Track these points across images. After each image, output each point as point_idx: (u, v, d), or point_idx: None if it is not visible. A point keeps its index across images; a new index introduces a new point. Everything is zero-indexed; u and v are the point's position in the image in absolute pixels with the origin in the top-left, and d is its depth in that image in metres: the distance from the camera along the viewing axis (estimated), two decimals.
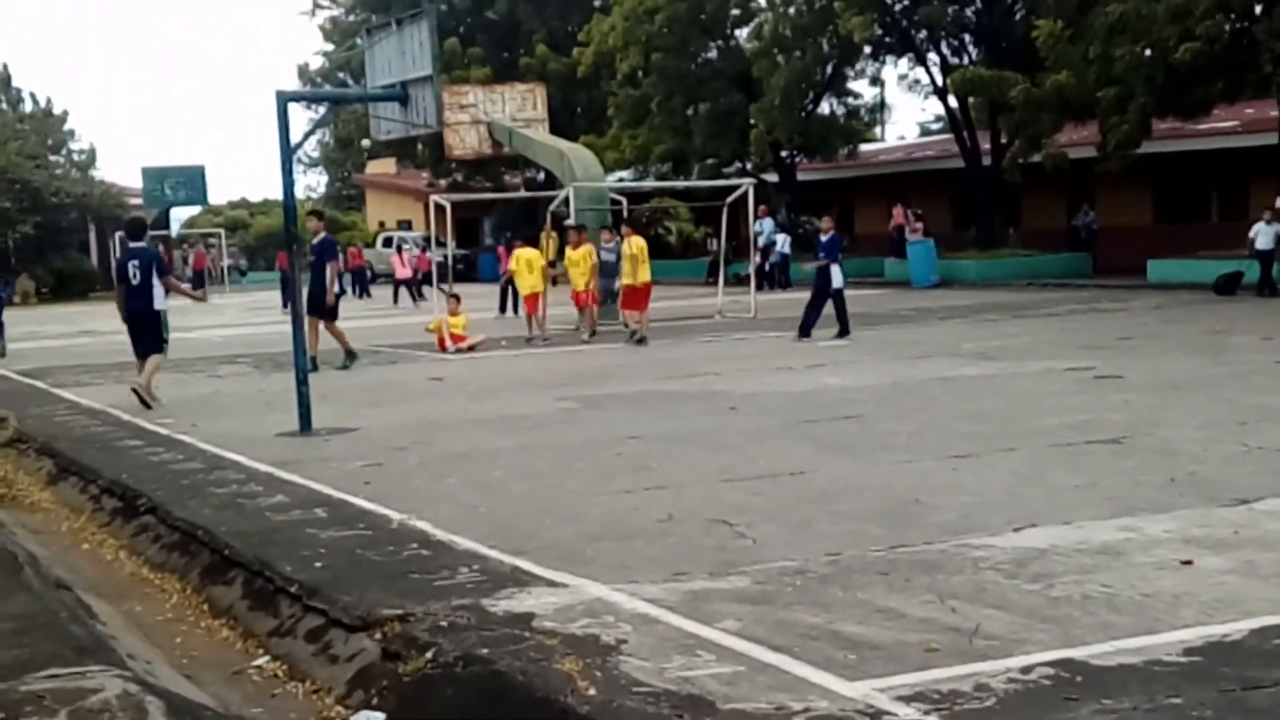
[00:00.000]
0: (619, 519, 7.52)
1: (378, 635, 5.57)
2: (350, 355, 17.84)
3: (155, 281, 14.28)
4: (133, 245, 14.90)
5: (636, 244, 21.34)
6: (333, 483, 9.01)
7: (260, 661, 5.98)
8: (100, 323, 33.76)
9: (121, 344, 24.91)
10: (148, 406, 13.85)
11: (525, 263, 21.68)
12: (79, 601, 6.67)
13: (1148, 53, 27.32)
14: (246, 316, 34.44)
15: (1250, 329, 16.60)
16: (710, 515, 7.44)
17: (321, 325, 17.66)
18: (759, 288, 28.82)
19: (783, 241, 36.55)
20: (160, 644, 6.36)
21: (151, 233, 54.74)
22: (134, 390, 14.09)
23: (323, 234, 18.30)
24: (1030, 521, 6.95)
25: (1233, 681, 4.47)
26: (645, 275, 21.10)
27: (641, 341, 19.93)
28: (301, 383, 11.88)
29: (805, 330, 19.31)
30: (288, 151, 12.17)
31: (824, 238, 20.21)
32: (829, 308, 19.34)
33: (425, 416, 12.56)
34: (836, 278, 19.12)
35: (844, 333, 19.23)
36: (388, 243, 50.94)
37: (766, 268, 34.57)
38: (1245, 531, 6.57)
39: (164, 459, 10.58)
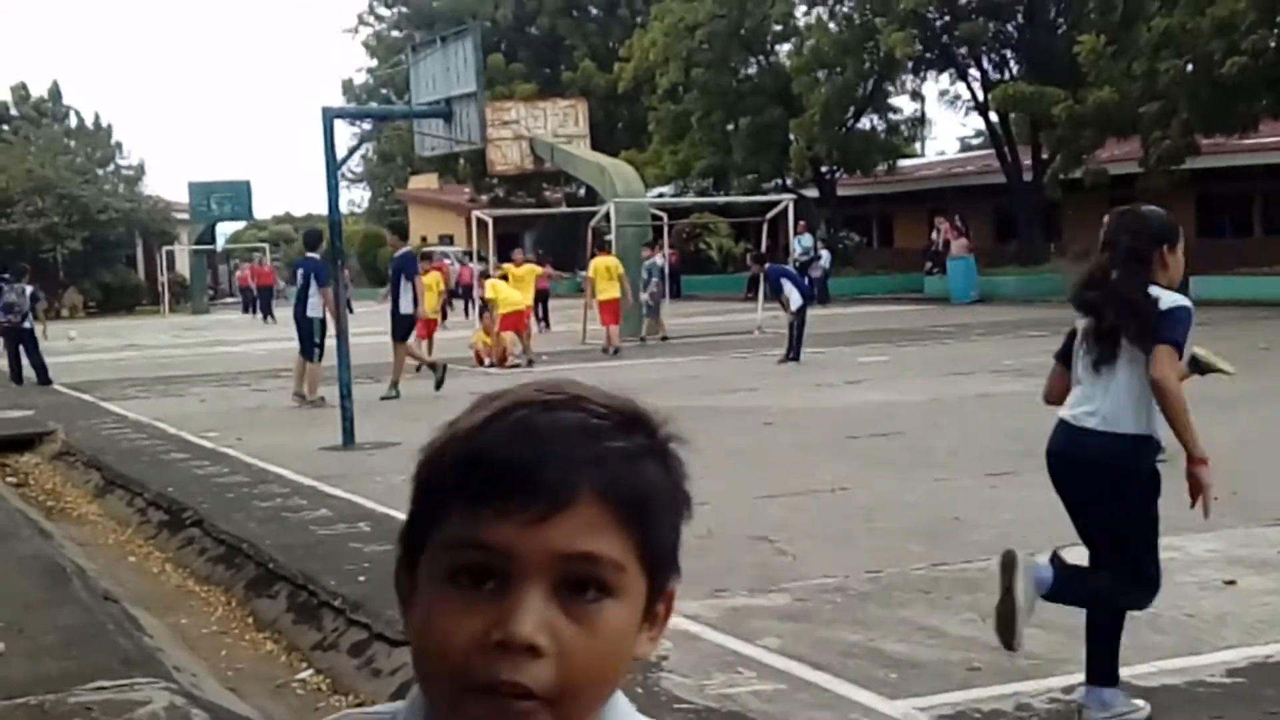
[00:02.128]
0: None
1: None
2: (394, 386, 16.04)
3: (312, 290, 15.33)
4: (306, 255, 16.01)
5: (598, 264, 21.98)
6: (376, 497, 9.08)
7: (304, 675, 6.04)
8: (147, 336, 34.14)
9: (167, 358, 25.18)
10: (314, 404, 15.05)
11: (605, 270, 22.00)
12: (126, 614, 6.76)
13: (1191, 67, 27.18)
14: (291, 331, 34.70)
15: None
16: (750, 531, 7.46)
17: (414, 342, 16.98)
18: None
19: (825, 257, 36.53)
20: (206, 656, 6.44)
21: (197, 247, 54.79)
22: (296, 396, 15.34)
23: (402, 249, 17.18)
24: (1071, 540, 6.89)
25: (1275, 703, 4.45)
26: (607, 293, 21.61)
27: (616, 353, 20.90)
28: (345, 397, 11.98)
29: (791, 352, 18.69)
30: (333, 166, 12.30)
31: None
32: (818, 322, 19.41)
33: None
34: (795, 299, 18.86)
35: (791, 356, 18.47)
36: (427, 257, 51.16)
37: (808, 284, 34.54)
38: None
39: (209, 472, 10.69)
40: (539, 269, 25.25)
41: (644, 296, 24.00)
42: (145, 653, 5.89)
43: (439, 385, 15.86)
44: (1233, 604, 5.67)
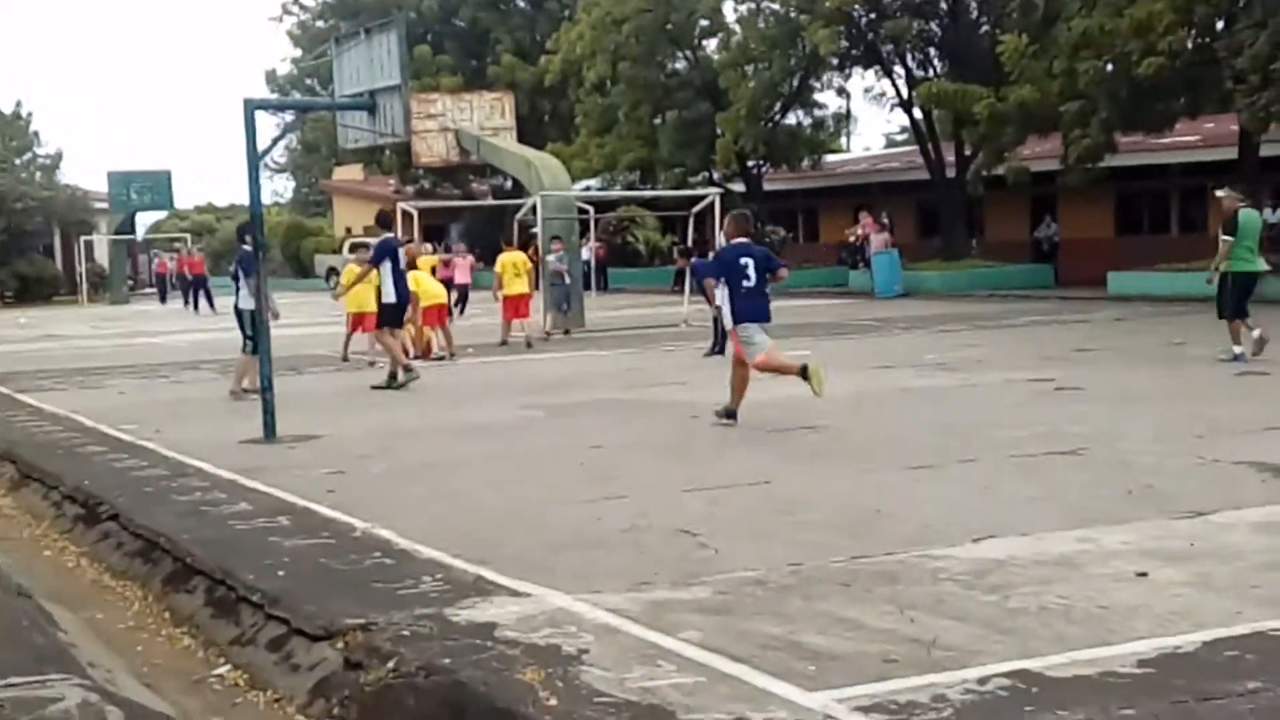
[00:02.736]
0: (582, 528, 7.55)
1: (339, 645, 5.58)
2: (393, 378, 15.76)
3: (242, 282, 15.30)
4: (241, 246, 15.84)
5: (504, 260, 21.75)
6: (296, 490, 9.00)
7: (221, 670, 5.98)
8: (65, 327, 33.58)
9: (85, 349, 24.78)
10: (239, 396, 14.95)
11: (511, 265, 21.79)
12: (40, 609, 6.66)
13: (1111, 67, 27.60)
14: (211, 322, 34.29)
15: (1209, 341, 16.73)
16: (673, 525, 7.48)
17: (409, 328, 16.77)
18: None
19: None
20: (121, 652, 6.35)
21: (116, 237, 53.96)
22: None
23: (383, 235, 16.65)
24: (989, 533, 7.02)
25: (1185, 693, 4.53)
26: (512, 289, 21.54)
27: (529, 346, 20.78)
28: (266, 389, 11.86)
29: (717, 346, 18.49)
30: (254, 158, 12.15)
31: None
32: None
33: (390, 424, 12.55)
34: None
35: (717, 350, 18.20)
36: (354, 249, 50.78)
37: None
38: (1200, 544, 6.66)
39: (127, 465, 10.55)
40: (433, 258, 25.15)
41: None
42: (59, 649, 5.80)
43: (391, 387, 15.72)
44: (1145, 596, 5.76)
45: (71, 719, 4.58)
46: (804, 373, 11.51)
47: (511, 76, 45.51)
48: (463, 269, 30.44)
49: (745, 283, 11.58)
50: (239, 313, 15.61)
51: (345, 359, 19.52)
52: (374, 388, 15.74)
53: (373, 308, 18.56)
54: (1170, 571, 6.14)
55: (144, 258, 64.00)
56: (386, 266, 15.92)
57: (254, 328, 14.87)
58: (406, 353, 18.81)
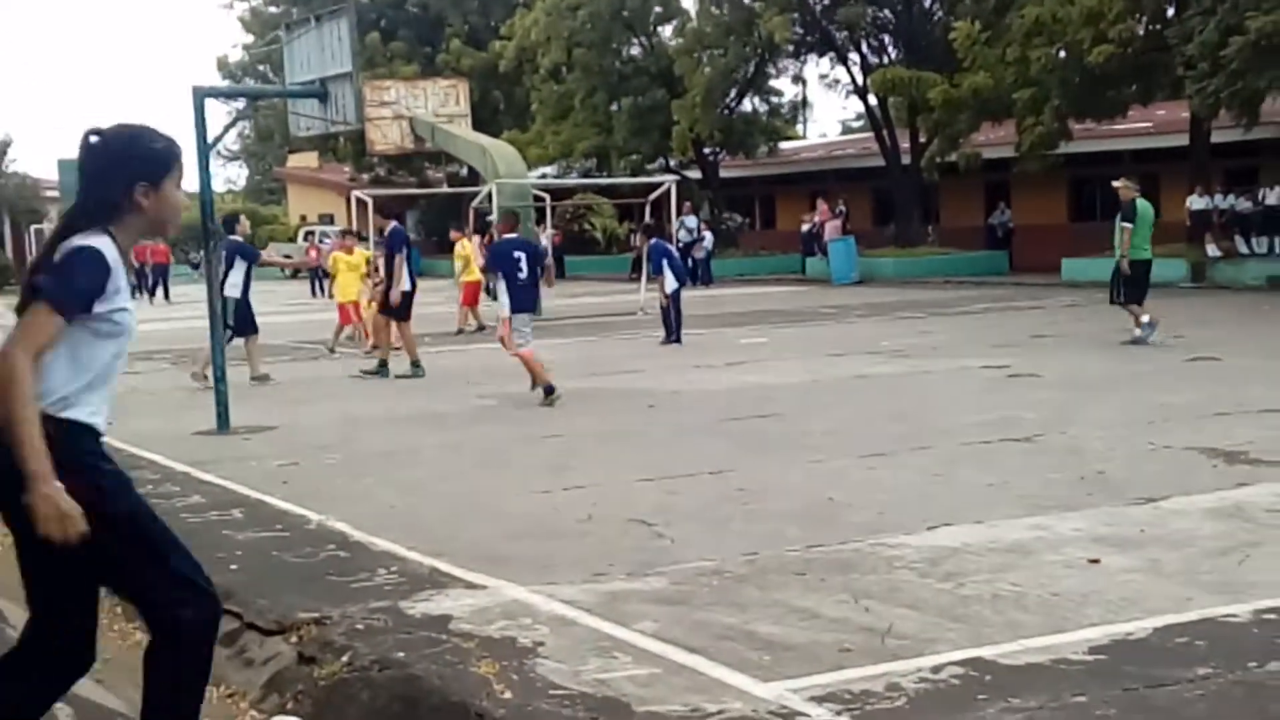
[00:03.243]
0: (538, 519, 7.54)
1: (293, 639, 5.55)
2: (416, 365, 15.56)
3: (233, 272, 15.28)
4: (228, 238, 15.73)
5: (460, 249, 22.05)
6: (250, 483, 8.94)
7: None
8: (12, 318, 33.18)
9: None
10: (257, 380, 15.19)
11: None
12: None
13: (1063, 55, 27.78)
14: (163, 311, 33.99)
15: (1161, 328, 16.89)
16: (629, 515, 7.47)
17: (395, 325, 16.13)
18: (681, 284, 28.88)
19: (708, 238, 36.72)
20: None
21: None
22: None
23: (391, 224, 16.61)
24: (943, 520, 7.05)
25: (1136, 680, 4.57)
26: (468, 275, 21.65)
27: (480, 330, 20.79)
28: (219, 380, 11.77)
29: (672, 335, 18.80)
30: (204, 147, 12.05)
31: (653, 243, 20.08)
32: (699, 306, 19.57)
33: (346, 414, 12.48)
34: (670, 282, 18.83)
35: (673, 339, 18.59)
36: (308, 236, 50.62)
37: (690, 263, 34.70)
38: (1151, 530, 6.71)
39: None
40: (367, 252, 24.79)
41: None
42: (9, 644, 5.73)
43: (376, 373, 15.64)
44: (1096, 582, 5.80)
45: None
46: (547, 391, 12.48)
47: (459, 62, 45.25)
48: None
49: (520, 275, 12.47)
50: (228, 300, 15.21)
51: (333, 350, 19.31)
52: (364, 372, 15.72)
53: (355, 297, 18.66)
54: (1121, 558, 6.19)
55: None
56: (401, 255, 15.71)
57: (236, 316, 14.88)
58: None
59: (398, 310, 15.83)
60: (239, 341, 15.37)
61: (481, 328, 21.60)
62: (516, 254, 12.56)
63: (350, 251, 19.44)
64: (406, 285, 15.76)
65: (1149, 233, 16.24)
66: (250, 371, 15.50)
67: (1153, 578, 5.87)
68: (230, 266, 15.21)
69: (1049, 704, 4.36)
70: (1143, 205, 16.20)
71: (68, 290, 3.52)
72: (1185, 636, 5.02)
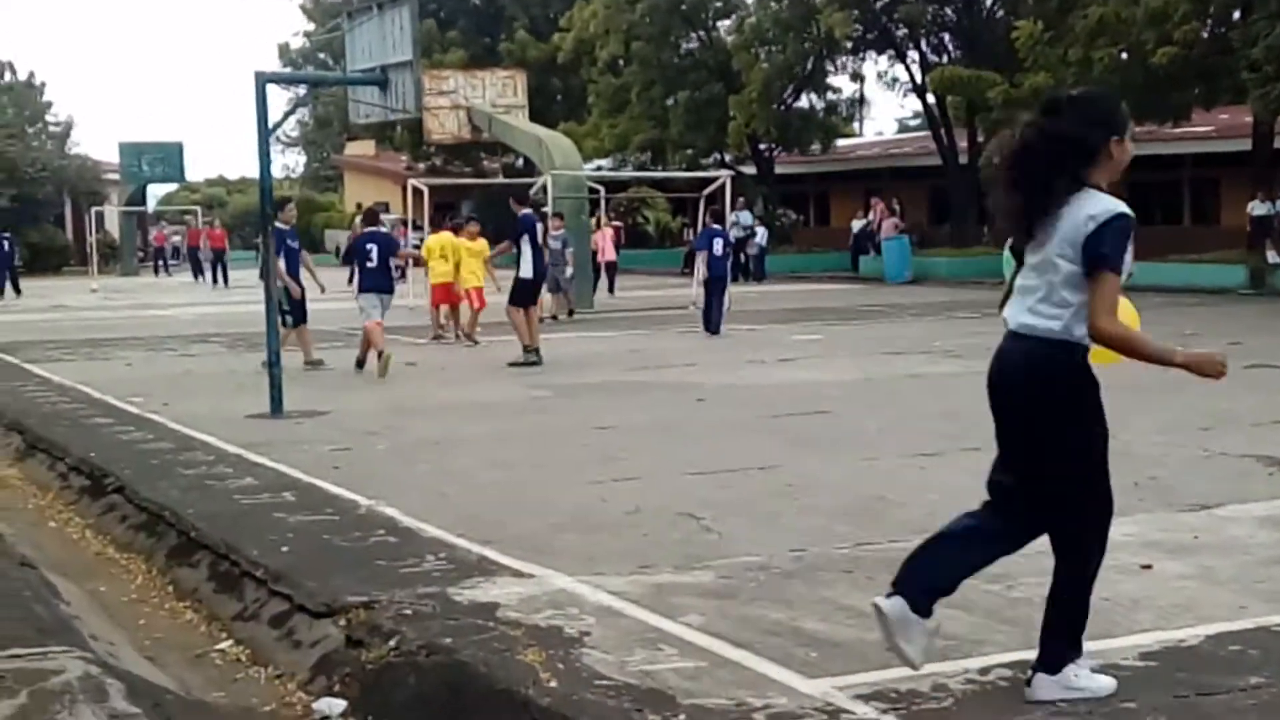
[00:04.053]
0: (586, 510, 7.55)
1: (342, 622, 5.58)
2: (528, 350, 15.65)
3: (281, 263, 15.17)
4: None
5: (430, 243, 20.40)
6: (302, 466, 9.01)
7: (224, 645, 5.99)
8: (73, 298, 33.62)
9: (92, 320, 24.82)
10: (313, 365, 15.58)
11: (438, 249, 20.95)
12: (43, 580, 6.66)
13: (1126, 56, 27.49)
14: (219, 295, 34.34)
15: (1218, 333, 16.72)
16: (677, 508, 7.47)
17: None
18: (734, 279, 28.85)
19: (761, 234, 36.62)
20: (124, 625, 6.36)
21: (127, 209, 53.74)
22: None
23: (523, 211, 16.28)
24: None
25: (1187, 687, 4.52)
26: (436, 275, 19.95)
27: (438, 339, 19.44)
28: (274, 364, 11.86)
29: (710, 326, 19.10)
30: (265, 132, 12.14)
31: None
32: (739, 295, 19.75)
33: (397, 401, 12.56)
34: (701, 272, 19.03)
35: (711, 330, 18.99)
36: (451, 218, 50.70)
37: (743, 259, 34.64)
38: (1204, 537, 6.64)
39: (133, 438, 10.56)
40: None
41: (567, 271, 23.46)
42: (61, 621, 5.81)
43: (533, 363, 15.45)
44: (1148, 588, 5.75)
45: (72, 691, 4.58)
46: (381, 355, 14.55)
47: (524, 54, 45.37)
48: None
49: (369, 263, 15.06)
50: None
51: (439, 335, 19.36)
52: (510, 364, 15.54)
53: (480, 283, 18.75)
54: (1174, 564, 6.13)
55: (154, 229, 64.10)
56: (526, 241, 15.68)
57: (289, 302, 15.04)
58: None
59: (520, 297, 15.78)
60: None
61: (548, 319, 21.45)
62: (369, 245, 15.12)
63: (474, 238, 19.40)
64: (529, 273, 15.76)
65: None
66: (304, 357, 15.61)
67: (1206, 585, 5.81)
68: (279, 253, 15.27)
69: (1098, 709, 4.33)
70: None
71: (1119, 255, 4.33)
72: (1238, 645, 4.96)
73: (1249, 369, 13.77)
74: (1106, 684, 4.46)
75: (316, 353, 15.89)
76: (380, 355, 14.51)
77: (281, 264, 14.82)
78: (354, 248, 16.07)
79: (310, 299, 16.15)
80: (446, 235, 20.07)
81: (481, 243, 19.38)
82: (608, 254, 29.92)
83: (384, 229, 17.23)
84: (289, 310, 15.20)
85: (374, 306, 14.84)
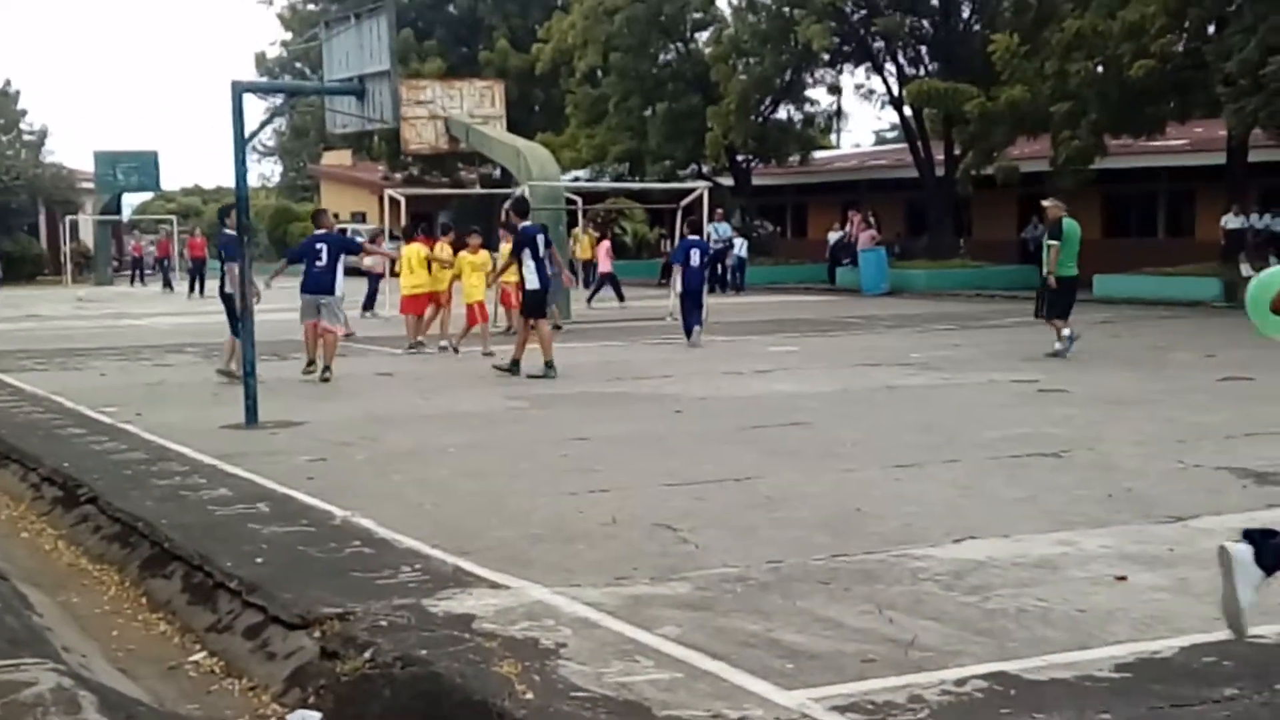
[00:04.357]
0: (563, 521, 7.54)
1: (316, 633, 5.56)
2: (549, 364, 15.30)
3: (226, 266, 15.67)
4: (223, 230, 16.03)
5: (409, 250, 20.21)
6: (277, 477, 8.97)
7: (197, 657, 5.95)
8: (47, 307, 33.44)
9: (67, 330, 24.66)
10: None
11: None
12: (15, 592, 6.61)
13: (1102, 69, 27.63)
14: (194, 305, 34.19)
15: (1193, 346, 16.80)
16: (654, 519, 7.46)
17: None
18: (711, 290, 28.86)
19: (740, 245, 36.66)
20: (97, 637, 6.32)
21: (102, 218, 53.66)
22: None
23: (523, 224, 15.87)
24: (969, 533, 7.02)
25: (1162, 698, 4.54)
26: (406, 286, 19.94)
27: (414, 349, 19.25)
28: (249, 374, 11.82)
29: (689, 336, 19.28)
30: (241, 141, 12.10)
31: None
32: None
33: (373, 412, 12.52)
34: (678, 281, 19.12)
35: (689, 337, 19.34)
36: (445, 230, 50.63)
37: (720, 270, 34.64)
38: (1179, 549, 6.66)
39: (107, 448, 10.50)
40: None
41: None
42: (33, 632, 5.77)
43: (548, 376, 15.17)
44: (1123, 600, 5.77)
45: (44, 704, 4.54)
46: (310, 362, 15.43)
47: (502, 64, 45.34)
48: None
49: (318, 262, 15.43)
50: (226, 297, 15.56)
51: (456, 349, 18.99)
52: (496, 368, 15.74)
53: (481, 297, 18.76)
54: (1149, 576, 6.15)
55: (129, 238, 63.85)
56: (528, 254, 15.47)
57: (231, 309, 15.00)
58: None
59: (532, 309, 15.62)
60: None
61: (509, 329, 21.49)
62: (318, 246, 15.55)
63: (476, 251, 19.34)
64: (535, 284, 15.51)
65: (1076, 251, 16.98)
66: (220, 362, 15.60)
67: (1181, 597, 5.82)
68: (229, 260, 15.26)
69: None
70: (1070, 225, 16.92)
71: None
72: (1213, 656, 4.98)
73: (1223, 382, 13.86)
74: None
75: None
76: (309, 362, 15.22)
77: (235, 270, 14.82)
78: (305, 248, 16.08)
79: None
80: (417, 246, 19.98)
81: (484, 255, 19.37)
82: (604, 266, 30.30)
83: (334, 230, 17.68)
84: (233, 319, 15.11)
85: (309, 308, 15.40)
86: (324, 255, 15.32)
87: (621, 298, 29.74)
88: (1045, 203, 17.63)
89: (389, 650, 5.18)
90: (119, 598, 7.03)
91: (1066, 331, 16.66)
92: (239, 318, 14.61)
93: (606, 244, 32.30)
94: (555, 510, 7.84)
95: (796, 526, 7.29)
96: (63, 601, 6.94)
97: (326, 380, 14.96)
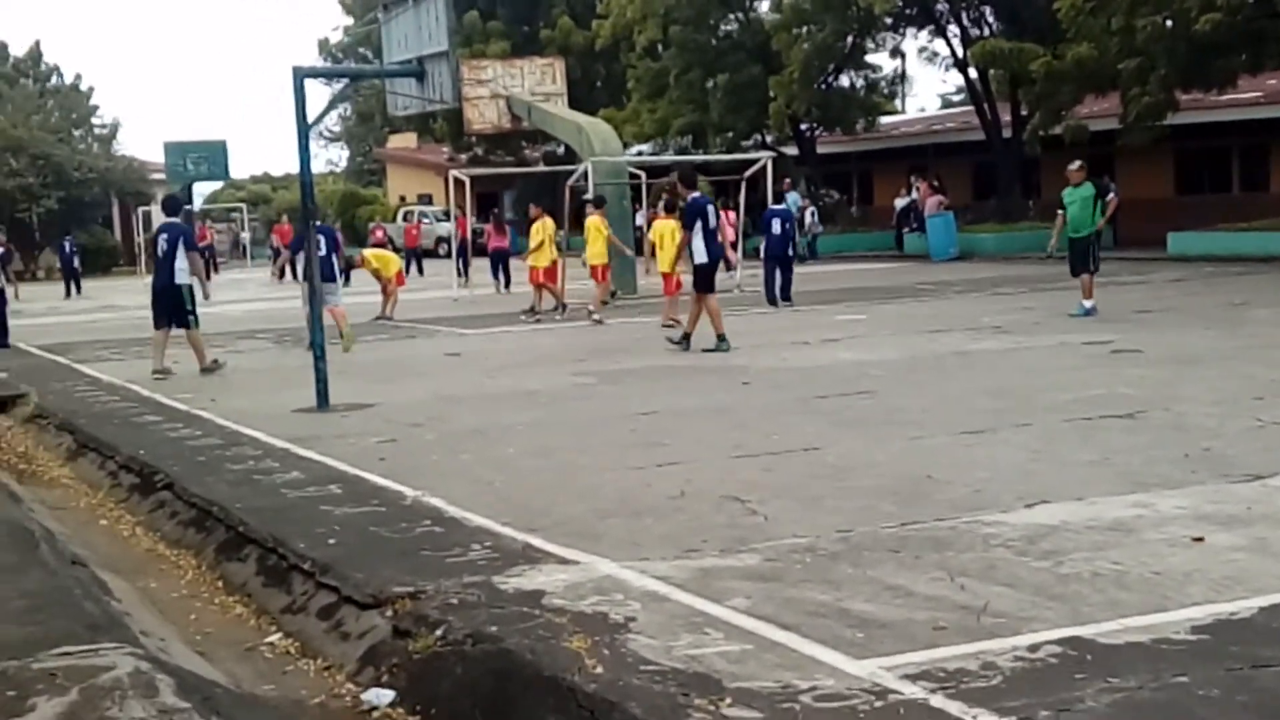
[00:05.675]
0: (631, 495, 7.54)
1: (389, 613, 5.60)
2: (721, 338, 14.99)
3: (179, 256, 14.96)
4: (168, 220, 15.55)
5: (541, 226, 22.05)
6: (348, 459, 9.05)
7: (272, 638, 6.02)
8: (123, 298, 33.93)
9: (141, 320, 25.01)
10: (209, 370, 15.10)
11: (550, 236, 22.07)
12: (94, 578, 6.73)
13: (1170, 24, 27.10)
14: (265, 291, 34.56)
15: (1270, 301, 16.48)
16: (722, 492, 7.45)
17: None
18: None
19: (812, 214, 36.42)
20: (174, 620, 6.41)
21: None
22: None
23: (692, 195, 15.48)
24: (1042, 498, 6.94)
25: (1241, 660, 4.46)
26: (539, 260, 21.89)
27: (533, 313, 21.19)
28: (319, 358, 11.91)
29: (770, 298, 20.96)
30: (304, 127, 12.18)
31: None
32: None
33: (441, 392, 12.59)
34: (700, 253, 17.71)
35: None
36: (407, 216, 51.14)
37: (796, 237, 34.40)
38: (1258, 508, 6.55)
39: (181, 435, 10.64)
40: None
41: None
42: (112, 617, 5.86)
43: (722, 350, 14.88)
44: (1200, 561, 5.67)
45: (122, 687, 4.62)
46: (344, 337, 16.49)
47: (564, 41, 45.29)
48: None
49: (320, 252, 15.28)
50: (176, 288, 15.06)
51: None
52: (704, 350, 15.00)
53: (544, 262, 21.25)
54: (1226, 536, 6.05)
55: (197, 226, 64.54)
56: (698, 226, 15.17)
57: (193, 302, 15.16)
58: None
59: (702, 283, 15.28)
60: (179, 332, 15.21)
61: (563, 306, 21.53)
62: (317, 237, 15.44)
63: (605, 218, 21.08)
64: (703, 258, 15.17)
65: (1089, 213, 17.51)
66: (199, 363, 15.25)
67: (1259, 556, 5.72)
68: (179, 250, 14.92)
69: (1149, 684, 4.27)
70: (1070, 191, 17.49)
71: None
72: None
73: None
74: None
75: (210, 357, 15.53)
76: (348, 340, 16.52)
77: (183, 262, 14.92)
78: (299, 241, 17.52)
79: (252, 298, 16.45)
80: (548, 221, 22.13)
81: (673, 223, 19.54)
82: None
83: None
84: (192, 311, 15.12)
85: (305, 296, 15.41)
86: (323, 246, 15.61)
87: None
88: (1071, 167, 17.93)
89: (460, 628, 5.21)
90: (196, 581, 7.13)
91: (1089, 304, 17.08)
92: (189, 310, 15.07)
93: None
94: (623, 484, 7.84)
95: (865, 495, 7.25)
96: (141, 586, 7.05)
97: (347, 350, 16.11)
